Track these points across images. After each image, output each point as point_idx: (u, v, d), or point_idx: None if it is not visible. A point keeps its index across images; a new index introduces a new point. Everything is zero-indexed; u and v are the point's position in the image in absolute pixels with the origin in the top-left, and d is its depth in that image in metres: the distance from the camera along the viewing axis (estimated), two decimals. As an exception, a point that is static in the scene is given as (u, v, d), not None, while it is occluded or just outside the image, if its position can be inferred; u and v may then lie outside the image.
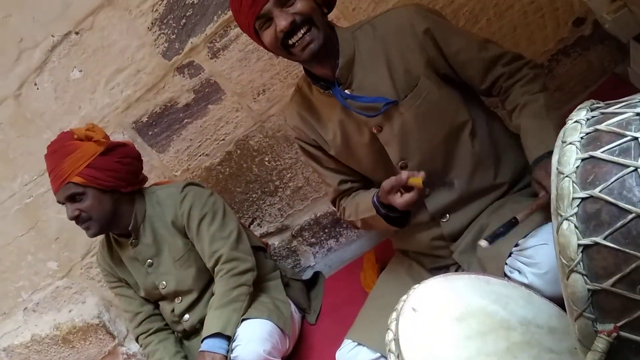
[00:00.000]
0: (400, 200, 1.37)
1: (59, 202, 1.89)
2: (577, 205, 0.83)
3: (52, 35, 2.08)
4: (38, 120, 2.26)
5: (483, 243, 1.24)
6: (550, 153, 1.25)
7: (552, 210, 0.88)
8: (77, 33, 2.07)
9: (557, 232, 0.85)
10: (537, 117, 1.39)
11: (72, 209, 1.84)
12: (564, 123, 1.28)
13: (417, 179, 1.33)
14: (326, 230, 2.40)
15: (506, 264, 1.34)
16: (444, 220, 1.58)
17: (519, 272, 1.29)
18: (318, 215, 2.37)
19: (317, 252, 2.46)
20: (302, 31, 1.39)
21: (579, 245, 0.82)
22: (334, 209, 1.81)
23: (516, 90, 1.48)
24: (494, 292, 1.21)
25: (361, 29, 1.52)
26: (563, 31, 1.97)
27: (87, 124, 1.96)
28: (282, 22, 1.36)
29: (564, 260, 0.83)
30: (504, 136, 1.59)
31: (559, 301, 1.20)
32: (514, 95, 1.48)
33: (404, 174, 1.35)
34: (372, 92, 1.48)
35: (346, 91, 1.49)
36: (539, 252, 1.26)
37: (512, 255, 1.34)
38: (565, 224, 0.83)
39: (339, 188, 1.70)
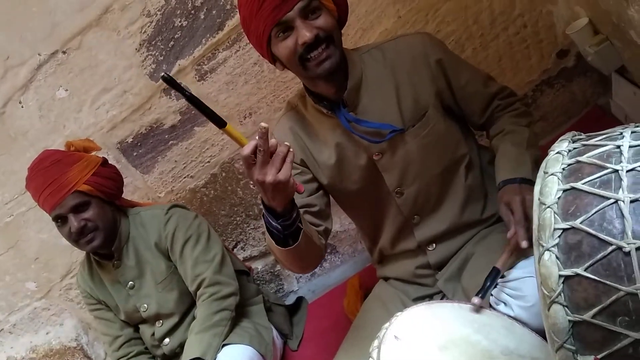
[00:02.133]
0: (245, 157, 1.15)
1: (59, 215, 1.80)
2: (559, 236, 0.83)
3: (38, 54, 2.07)
4: (21, 138, 2.23)
5: (477, 300, 1.22)
6: (522, 180, 1.30)
7: (533, 240, 0.88)
8: (64, 52, 2.06)
9: (539, 262, 0.85)
10: (518, 146, 1.42)
11: (78, 219, 1.79)
12: (542, 160, 1.32)
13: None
14: (310, 255, 2.38)
15: (492, 295, 1.33)
16: (431, 249, 1.58)
17: (505, 304, 1.28)
18: (302, 240, 2.36)
19: (301, 277, 2.44)
20: (322, 47, 1.33)
21: (560, 276, 0.82)
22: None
23: (504, 119, 1.51)
24: (476, 321, 1.20)
25: (369, 53, 1.51)
26: (547, 62, 2.00)
27: (80, 139, 1.95)
28: (306, 33, 1.29)
29: (545, 291, 0.83)
30: (493, 169, 1.60)
31: (544, 334, 1.20)
32: (501, 122, 1.51)
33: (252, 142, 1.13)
34: (377, 118, 1.46)
35: (351, 114, 1.46)
36: (526, 285, 1.25)
37: (497, 286, 1.33)
38: (546, 255, 0.83)
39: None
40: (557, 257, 0.83)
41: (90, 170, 1.83)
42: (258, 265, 2.43)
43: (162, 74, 1.10)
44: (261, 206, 1.28)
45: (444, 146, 1.51)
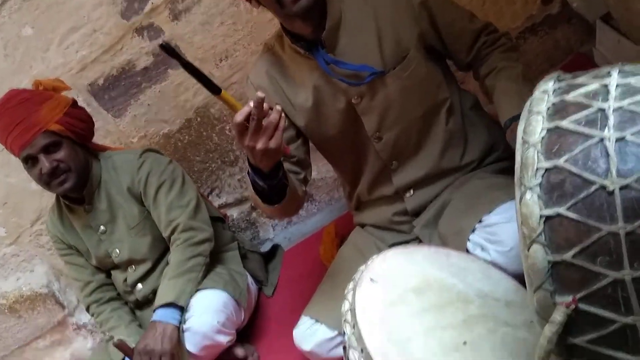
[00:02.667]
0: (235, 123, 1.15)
1: (29, 156, 1.73)
2: (542, 176, 0.81)
3: (2, -11, 1.97)
4: (-15, 78, 2.14)
5: None
6: None
7: (515, 180, 0.86)
8: (29, -13, 1.96)
9: (520, 202, 0.83)
10: (515, 82, 1.38)
11: (50, 160, 1.73)
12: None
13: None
14: (286, 203, 2.36)
15: (469, 240, 1.32)
16: (408, 195, 1.56)
17: (482, 248, 1.28)
18: (279, 188, 2.33)
19: (277, 224, 2.42)
20: None
21: (541, 216, 0.80)
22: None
23: (495, 56, 1.47)
24: (452, 265, 1.20)
25: None
26: (532, 8, 1.96)
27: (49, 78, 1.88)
28: None
29: (525, 231, 0.82)
30: (474, 114, 1.58)
31: (520, 279, 1.20)
32: (492, 60, 1.47)
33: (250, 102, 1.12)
34: (356, 59, 1.41)
35: (329, 55, 1.41)
36: (503, 229, 1.25)
37: (475, 231, 1.32)
38: (528, 194, 0.82)
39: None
40: (539, 197, 0.81)
41: (61, 110, 1.76)
42: (233, 213, 2.40)
43: (161, 42, 1.10)
44: (246, 164, 1.28)
45: (425, 89, 1.47)
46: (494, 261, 1.24)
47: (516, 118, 1.30)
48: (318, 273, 1.94)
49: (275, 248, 2.31)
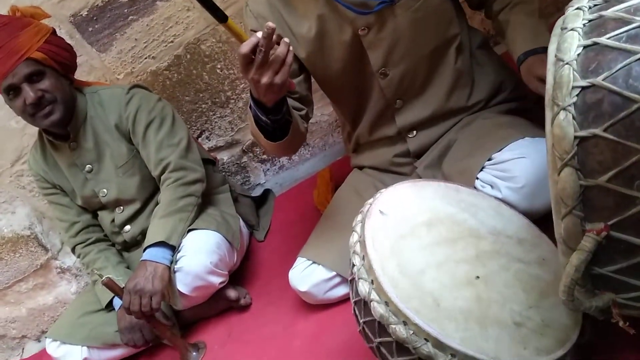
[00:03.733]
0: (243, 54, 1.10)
1: (11, 85, 1.63)
2: (577, 95, 0.76)
3: None
4: (-40, 6, 2.00)
5: None
6: (545, 50, 1.19)
7: (546, 101, 0.81)
8: None
9: (552, 123, 0.78)
10: (530, 16, 1.32)
11: (34, 89, 1.64)
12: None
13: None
14: (279, 147, 2.29)
15: (477, 178, 1.28)
16: (411, 136, 1.51)
17: (492, 186, 1.24)
18: (271, 131, 2.26)
19: (268, 169, 2.36)
20: None
21: (575, 137, 0.75)
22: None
23: None
24: (463, 200, 1.15)
25: None
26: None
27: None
28: None
29: (557, 154, 0.77)
30: (483, 53, 1.52)
31: (531, 217, 1.17)
32: None
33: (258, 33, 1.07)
34: None
35: None
36: (517, 166, 1.21)
37: (484, 169, 1.28)
38: (562, 114, 0.76)
39: None
40: (573, 117, 0.76)
41: (42, 37, 1.66)
42: (224, 157, 2.32)
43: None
44: (250, 99, 1.24)
45: (436, 23, 1.40)
46: (505, 198, 1.19)
47: (530, 53, 1.25)
48: (311, 218, 1.90)
49: (266, 193, 2.26)
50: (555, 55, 0.80)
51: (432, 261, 1.00)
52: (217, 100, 2.20)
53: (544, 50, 1.17)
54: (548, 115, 0.80)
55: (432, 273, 0.98)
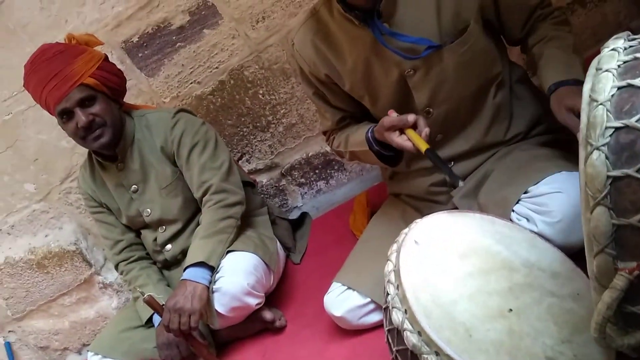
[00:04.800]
0: (397, 140, 1.31)
1: (65, 110, 1.72)
2: (610, 135, 0.78)
3: (40, -60, 1.95)
4: (20, 32, 2.13)
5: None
6: (576, 82, 1.20)
7: (580, 139, 0.82)
8: (67, -61, 1.93)
9: (585, 162, 0.79)
10: (565, 50, 1.32)
11: (86, 113, 1.72)
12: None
13: (422, 143, 1.26)
14: (317, 171, 2.34)
15: (513, 210, 1.29)
16: (449, 166, 1.52)
17: (527, 219, 1.25)
18: (310, 155, 2.31)
19: (306, 192, 2.40)
20: None
21: (608, 176, 0.77)
22: (325, 142, 1.75)
23: (545, 26, 1.40)
24: (498, 232, 1.17)
25: None
26: (583, -21, 1.89)
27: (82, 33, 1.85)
28: None
29: (590, 192, 0.78)
30: (522, 87, 1.53)
31: (566, 251, 1.17)
32: (542, 29, 1.40)
33: (410, 117, 1.28)
34: (413, 31, 1.36)
35: (385, 26, 1.36)
36: (553, 200, 1.21)
37: (520, 201, 1.29)
38: (595, 154, 0.78)
39: (337, 124, 1.63)
40: (606, 157, 0.77)
41: (95, 63, 1.75)
42: (263, 179, 2.38)
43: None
44: (369, 135, 1.44)
45: (481, 64, 1.42)
46: (541, 232, 1.20)
47: (561, 84, 1.24)
48: (346, 242, 1.92)
49: (303, 216, 2.30)
50: (590, 96, 0.82)
51: (465, 292, 1.02)
52: (258, 124, 2.26)
53: (575, 82, 1.20)
54: (582, 154, 0.81)
55: (464, 304, 1.00)
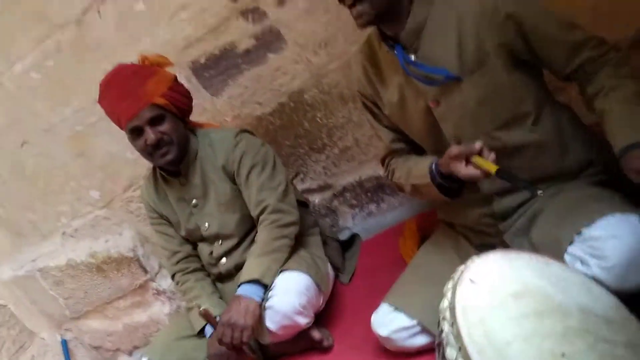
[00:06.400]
0: (465, 170, 1.34)
1: (136, 127, 1.82)
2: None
3: (122, -36, 2.07)
4: (97, 49, 2.26)
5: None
6: None
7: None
8: (147, -36, 2.05)
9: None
10: (627, 103, 1.31)
11: (155, 131, 1.82)
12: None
13: (491, 165, 1.29)
14: (368, 194, 2.38)
15: (566, 251, 1.30)
16: (498, 198, 1.54)
17: (582, 262, 1.25)
18: (362, 179, 2.36)
19: (357, 214, 2.44)
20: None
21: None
22: (381, 170, 1.80)
23: (602, 73, 1.38)
24: (553, 274, 1.19)
25: None
26: (647, 18, 1.87)
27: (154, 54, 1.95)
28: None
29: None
30: (572, 127, 1.52)
31: (621, 296, 1.18)
32: (599, 78, 1.38)
33: (477, 144, 1.32)
34: (435, 62, 1.42)
35: (410, 56, 1.44)
36: (608, 245, 1.22)
37: (573, 243, 1.30)
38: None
39: (391, 145, 1.69)
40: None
41: (165, 84, 1.84)
42: (315, 199, 2.44)
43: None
44: (432, 167, 1.48)
45: (504, 100, 1.44)
46: (595, 276, 1.21)
47: (630, 148, 1.23)
48: (395, 266, 1.95)
49: (353, 237, 2.34)
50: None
51: (519, 333, 1.04)
52: (314, 146, 2.33)
53: None
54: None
55: (518, 345, 1.02)
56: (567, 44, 1.41)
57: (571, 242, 1.31)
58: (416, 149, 1.67)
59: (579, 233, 1.31)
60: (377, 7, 1.38)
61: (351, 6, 1.39)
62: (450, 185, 1.47)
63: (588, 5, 1.84)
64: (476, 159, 1.32)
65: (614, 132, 1.30)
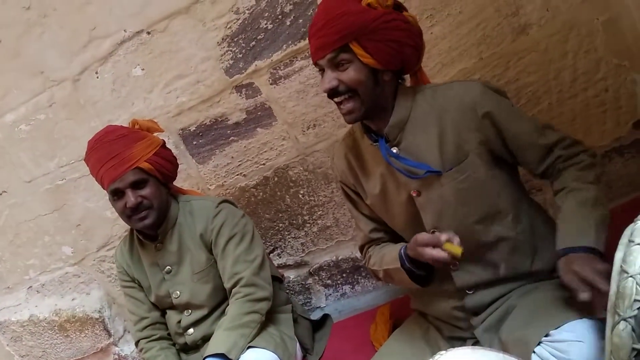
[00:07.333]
0: (429, 253, 1.35)
1: (117, 189, 1.82)
2: (638, 308, 0.82)
3: (124, 30, 2.14)
4: (89, 107, 2.30)
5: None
6: (587, 249, 1.26)
7: (608, 307, 0.87)
8: (149, 33, 2.12)
9: (612, 330, 0.83)
10: (582, 206, 1.37)
11: (135, 195, 1.82)
12: (608, 221, 1.28)
13: (456, 248, 1.31)
14: (344, 275, 2.38)
15: (534, 352, 1.30)
16: (469, 292, 1.56)
17: None
18: (339, 258, 2.36)
19: (331, 294, 2.43)
20: (344, 97, 1.45)
21: (633, 349, 0.80)
22: (360, 255, 1.82)
23: (569, 173, 1.45)
24: (520, 375, 1.18)
25: (423, 93, 1.53)
26: (622, 130, 1.97)
27: (145, 119, 1.99)
28: (325, 84, 1.44)
29: (614, 361, 0.82)
30: (545, 229, 1.56)
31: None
32: (565, 177, 1.45)
33: (443, 236, 1.34)
34: (417, 157, 1.49)
35: (393, 149, 1.50)
36: (574, 348, 1.22)
37: (541, 344, 1.30)
38: (622, 325, 0.82)
39: (370, 235, 1.71)
40: (633, 330, 0.81)
41: (153, 149, 1.86)
42: (290, 275, 2.43)
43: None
44: (401, 252, 1.51)
45: (481, 195, 1.49)
46: (560, 377, 1.21)
47: (571, 250, 1.30)
48: (364, 351, 1.93)
49: (325, 318, 2.31)
50: (621, 266, 0.87)
51: None
52: (294, 222, 2.34)
53: (584, 250, 1.26)
54: (609, 321, 0.85)
55: None
56: (539, 147, 1.48)
57: (539, 343, 1.32)
58: (395, 239, 1.69)
59: (547, 335, 1.32)
60: (366, 104, 1.45)
61: (340, 103, 1.46)
62: (417, 272, 1.49)
63: (568, 116, 1.95)
64: (445, 245, 1.33)
65: (561, 232, 1.37)
